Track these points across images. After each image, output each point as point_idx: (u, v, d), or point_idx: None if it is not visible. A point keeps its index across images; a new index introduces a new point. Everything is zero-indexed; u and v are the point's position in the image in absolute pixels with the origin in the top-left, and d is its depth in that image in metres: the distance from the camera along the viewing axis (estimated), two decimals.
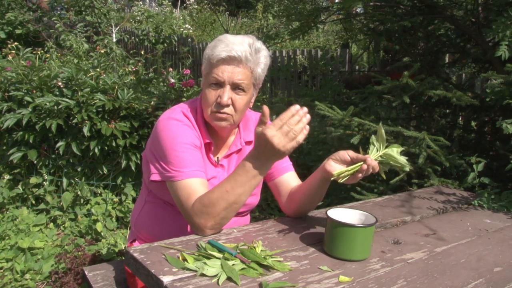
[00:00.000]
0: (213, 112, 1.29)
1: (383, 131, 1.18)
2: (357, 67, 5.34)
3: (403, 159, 1.18)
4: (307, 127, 1.09)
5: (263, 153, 1.11)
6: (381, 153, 1.18)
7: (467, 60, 2.88)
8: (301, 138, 1.09)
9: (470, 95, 2.34)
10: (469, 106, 2.37)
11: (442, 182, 2.00)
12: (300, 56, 5.84)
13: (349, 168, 1.16)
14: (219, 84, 1.27)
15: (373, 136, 1.21)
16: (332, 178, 1.17)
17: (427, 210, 1.56)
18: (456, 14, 2.72)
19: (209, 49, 1.29)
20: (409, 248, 1.20)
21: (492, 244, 1.27)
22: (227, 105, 1.28)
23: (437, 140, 2.03)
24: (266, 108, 1.09)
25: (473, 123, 2.63)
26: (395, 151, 1.19)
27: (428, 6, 2.67)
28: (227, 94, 1.26)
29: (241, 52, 1.24)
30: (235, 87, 1.27)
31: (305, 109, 1.09)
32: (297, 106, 1.08)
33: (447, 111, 2.63)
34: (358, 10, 3.87)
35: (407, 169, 1.20)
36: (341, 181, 1.17)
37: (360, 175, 1.16)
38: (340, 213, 1.19)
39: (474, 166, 1.95)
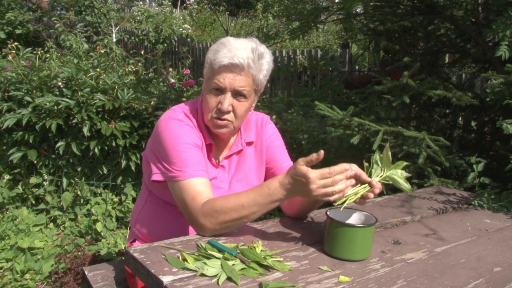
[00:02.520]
0: (213, 118, 1.29)
1: (389, 153, 1.15)
2: (357, 67, 5.34)
3: (405, 185, 1.15)
4: (346, 191, 1.06)
5: (294, 188, 1.08)
6: (385, 175, 1.15)
7: (467, 60, 2.88)
8: (335, 198, 1.05)
9: (470, 95, 2.34)
10: (469, 106, 2.37)
11: (442, 182, 2.00)
12: (300, 56, 5.84)
13: (351, 193, 1.10)
14: (220, 90, 1.26)
15: (377, 155, 1.18)
16: (336, 204, 1.11)
17: (427, 210, 1.56)
18: (456, 14, 2.72)
19: (211, 53, 1.27)
20: (409, 248, 1.20)
21: (492, 244, 1.28)
22: (228, 112, 1.27)
23: (437, 140, 2.03)
24: (321, 154, 1.05)
25: (473, 123, 2.63)
26: (399, 173, 1.16)
27: (428, 6, 2.67)
28: (228, 101, 1.26)
29: (244, 60, 1.22)
30: (236, 93, 1.27)
31: (353, 172, 1.06)
32: (347, 166, 1.05)
33: (447, 111, 2.63)
34: (358, 10, 3.87)
35: (409, 193, 1.18)
36: (343, 208, 1.12)
37: (364, 202, 1.13)
38: (340, 213, 1.19)
39: (474, 166, 1.95)
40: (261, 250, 1.08)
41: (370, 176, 1.14)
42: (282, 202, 1.14)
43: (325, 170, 1.04)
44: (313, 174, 1.04)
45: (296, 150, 3.20)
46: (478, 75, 2.85)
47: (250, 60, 1.24)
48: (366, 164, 1.18)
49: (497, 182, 1.89)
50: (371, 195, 1.11)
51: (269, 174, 1.46)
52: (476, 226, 1.42)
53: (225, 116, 1.28)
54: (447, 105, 2.56)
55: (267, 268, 1.00)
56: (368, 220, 1.17)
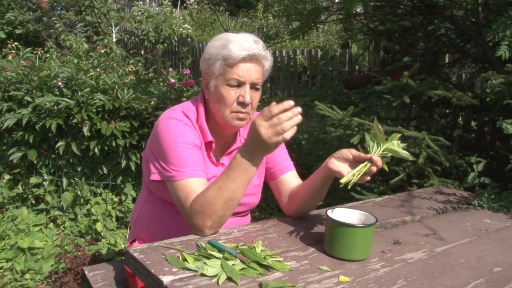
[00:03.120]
0: (234, 112, 1.29)
1: (380, 126, 1.16)
2: (357, 67, 5.34)
3: (404, 152, 1.16)
4: (295, 127, 1.07)
5: (251, 144, 1.11)
6: (383, 148, 1.16)
7: (467, 60, 2.88)
8: (288, 135, 1.06)
9: (470, 95, 2.34)
10: (469, 106, 2.37)
11: (442, 182, 2.00)
12: (300, 56, 5.84)
13: (355, 171, 1.13)
14: (239, 84, 1.27)
15: (368, 135, 1.19)
16: (340, 186, 1.13)
17: (427, 210, 1.56)
18: (456, 14, 2.72)
19: (217, 49, 1.27)
20: (409, 248, 1.20)
21: (492, 244, 1.28)
22: (248, 104, 1.29)
23: (437, 140, 2.03)
24: (273, 105, 1.06)
25: (473, 123, 2.63)
26: (395, 144, 1.17)
27: (428, 6, 2.67)
28: (248, 94, 1.27)
29: (259, 50, 1.26)
30: (253, 85, 1.29)
31: (299, 108, 1.06)
32: (291, 102, 1.06)
33: (447, 111, 2.63)
34: (358, 10, 3.87)
35: (410, 158, 1.19)
36: (350, 187, 1.14)
37: (368, 177, 1.15)
38: (340, 213, 1.19)
39: (474, 166, 1.95)
40: (261, 250, 1.08)
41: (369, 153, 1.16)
42: (255, 168, 1.13)
43: (266, 110, 1.06)
44: (258, 117, 1.06)
45: (296, 150, 3.20)
46: (478, 75, 2.85)
47: (261, 50, 1.27)
48: (361, 149, 1.19)
49: (497, 182, 1.89)
50: (374, 169, 1.13)
51: (269, 174, 1.46)
52: (476, 226, 1.42)
53: (246, 109, 1.29)
54: (447, 105, 2.56)
55: (267, 268, 1.00)
56: (368, 220, 1.17)
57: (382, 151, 1.16)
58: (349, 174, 1.12)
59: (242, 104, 1.27)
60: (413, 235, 1.31)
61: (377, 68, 4.59)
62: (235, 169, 1.13)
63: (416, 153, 1.99)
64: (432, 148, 1.99)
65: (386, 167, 1.18)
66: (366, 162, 1.14)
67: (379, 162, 1.14)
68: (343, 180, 1.12)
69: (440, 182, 2.00)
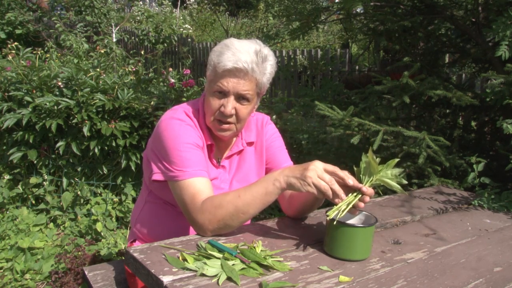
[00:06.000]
0: (216, 121, 1.29)
1: (374, 156, 1.12)
2: (357, 67, 5.34)
3: (397, 186, 1.13)
4: (334, 199, 1.07)
5: (291, 170, 1.10)
6: (375, 179, 1.13)
7: (467, 60, 2.88)
8: (319, 195, 1.07)
9: (470, 95, 2.34)
10: (469, 106, 2.37)
11: (442, 182, 2.00)
12: (300, 56, 5.85)
13: (343, 204, 1.08)
14: (223, 93, 1.26)
15: (363, 160, 1.14)
16: (328, 218, 1.10)
17: (427, 210, 1.56)
18: (456, 14, 2.72)
19: (215, 55, 1.26)
20: (409, 248, 1.20)
21: (492, 244, 1.28)
22: (230, 116, 1.27)
23: (437, 140, 2.03)
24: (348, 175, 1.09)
25: (473, 123, 2.63)
26: (389, 174, 1.13)
27: (428, 6, 2.67)
28: (230, 105, 1.26)
29: (248, 64, 1.22)
30: (240, 97, 1.27)
31: (344, 196, 1.07)
32: (351, 181, 1.08)
33: (447, 111, 2.63)
34: (358, 10, 3.87)
35: (400, 192, 1.16)
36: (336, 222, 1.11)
37: (357, 212, 1.14)
38: None
39: (474, 166, 1.95)
40: (261, 250, 1.08)
41: (361, 182, 1.12)
42: (274, 197, 1.13)
43: (331, 166, 1.08)
44: (321, 163, 1.08)
45: (296, 150, 3.20)
46: (478, 75, 2.85)
47: (254, 64, 1.23)
48: (356, 168, 1.16)
49: (497, 182, 1.89)
50: (362, 204, 1.09)
51: None
52: (476, 226, 1.42)
53: (228, 120, 1.28)
54: (447, 105, 2.56)
55: (267, 268, 1.00)
56: (368, 220, 1.17)
57: (375, 181, 1.13)
58: (335, 207, 1.08)
59: (222, 114, 1.27)
60: (413, 235, 1.31)
61: (377, 68, 4.59)
62: (259, 186, 1.13)
63: (416, 153, 1.99)
64: (432, 148, 1.99)
65: (380, 191, 1.16)
66: (356, 193, 1.09)
67: (367, 198, 1.09)
68: (330, 213, 1.08)
69: (440, 182, 2.00)
